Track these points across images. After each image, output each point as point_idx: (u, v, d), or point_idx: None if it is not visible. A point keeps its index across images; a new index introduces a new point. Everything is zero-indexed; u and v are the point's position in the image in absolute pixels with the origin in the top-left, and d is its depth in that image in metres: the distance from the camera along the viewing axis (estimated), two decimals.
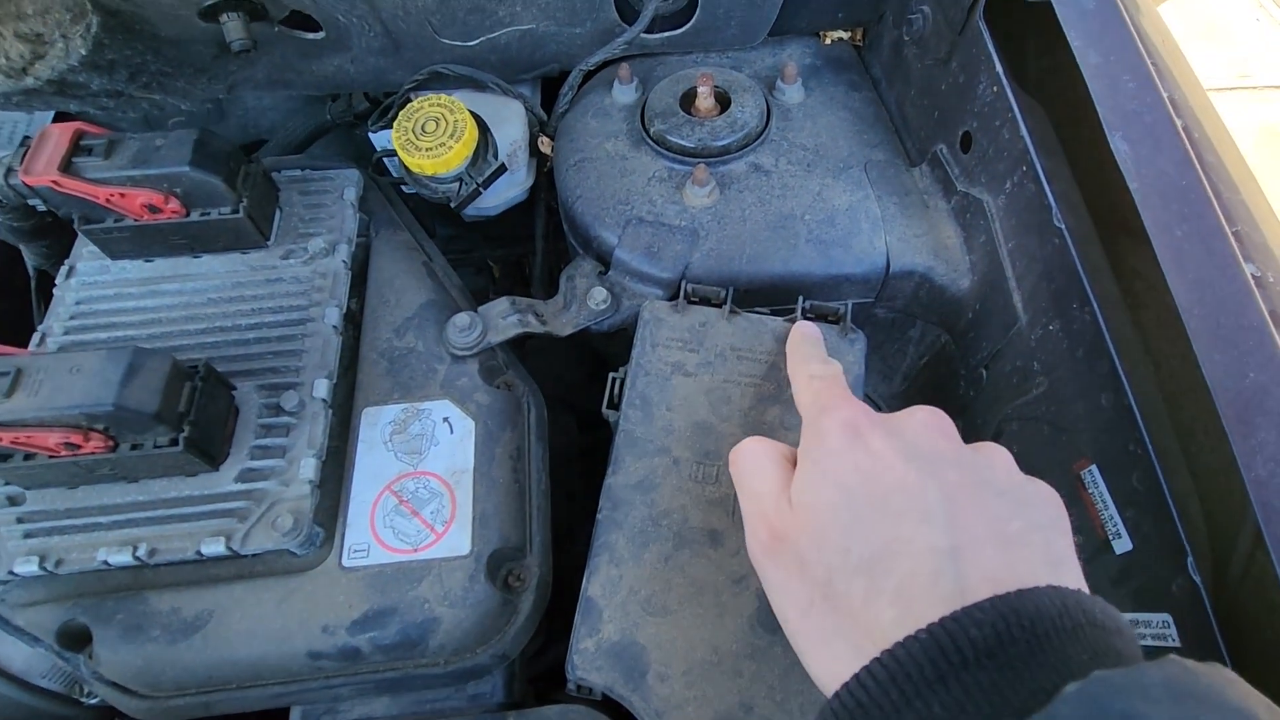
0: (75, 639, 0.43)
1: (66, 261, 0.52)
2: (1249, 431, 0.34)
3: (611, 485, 0.44)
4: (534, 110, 0.65)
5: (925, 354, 0.61)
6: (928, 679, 0.25)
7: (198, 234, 0.50)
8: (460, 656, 0.43)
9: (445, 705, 0.46)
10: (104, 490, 0.43)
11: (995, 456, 0.34)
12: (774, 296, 0.53)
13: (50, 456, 0.39)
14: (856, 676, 0.26)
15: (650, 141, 0.58)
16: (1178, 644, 0.36)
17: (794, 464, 0.37)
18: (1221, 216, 0.40)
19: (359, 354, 0.52)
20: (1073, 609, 0.26)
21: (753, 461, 0.38)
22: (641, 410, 0.46)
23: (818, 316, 0.49)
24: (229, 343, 0.48)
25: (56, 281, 0.51)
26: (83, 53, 0.47)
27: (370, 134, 0.69)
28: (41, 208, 0.48)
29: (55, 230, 0.55)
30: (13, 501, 0.43)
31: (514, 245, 0.88)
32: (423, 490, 0.46)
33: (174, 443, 0.40)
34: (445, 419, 0.49)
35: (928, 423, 0.35)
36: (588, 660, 0.40)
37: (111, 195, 0.46)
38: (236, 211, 0.49)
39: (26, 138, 0.47)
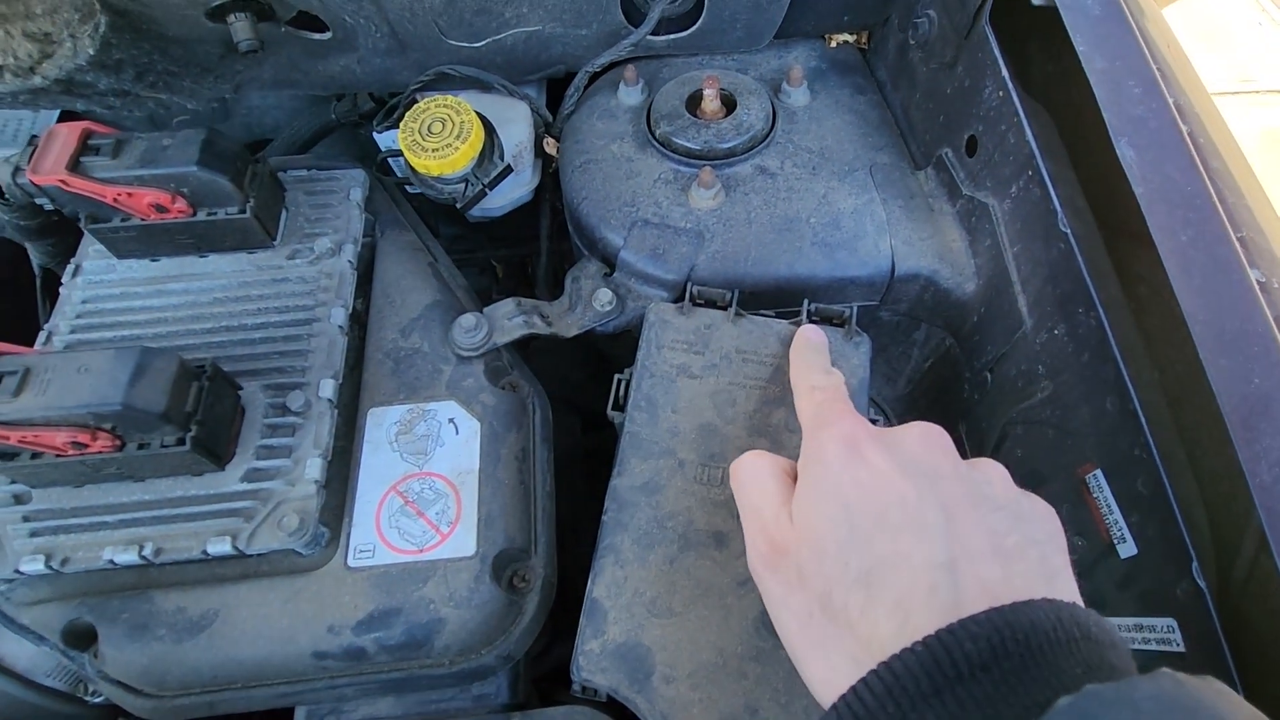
0: (80, 638, 0.43)
1: (72, 260, 0.52)
2: (1253, 437, 0.34)
3: (617, 487, 0.44)
4: (539, 111, 0.65)
5: (929, 357, 0.62)
6: (924, 692, 0.25)
7: (204, 234, 0.50)
8: (465, 657, 0.43)
9: (450, 706, 0.46)
10: (110, 489, 0.43)
11: (992, 472, 0.34)
12: (779, 299, 0.53)
13: (57, 455, 0.40)
14: (854, 688, 0.27)
15: (656, 143, 0.58)
16: (1182, 648, 0.36)
17: (793, 477, 0.37)
18: (1227, 222, 0.41)
19: (364, 354, 0.52)
20: (1067, 622, 0.27)
21: (752, 475, 0.38)
22: (647, 412, 0.46)
23: (823, 319, 0.49)
24: (235, 342, 0.48)
25: (63, 280, 0.51)
26: (90, 52, 0.47)
27: (375, 134, 0.69)
28: (49, 206, 0.48)
29: (61, 229, 0.55)
30: (19, 500, 0.43)
31: (518, 245, 0.88)
32: (428, 491, 0.46)
33: (181, 442, 0.40)
34: (451, 420, 0.49)
35: (926, 438, 0.35)
36: (593, 662, 0.40)
37: (119, 195, 0.46)
38: (243, 211, 0.49)
39: (34, 137, 0.47)
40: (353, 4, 0.53)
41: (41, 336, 0.49)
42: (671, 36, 0.64)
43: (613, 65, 0.64)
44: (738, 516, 0.43)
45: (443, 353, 0.51)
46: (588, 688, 0.40)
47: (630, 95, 0.62)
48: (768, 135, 0.58)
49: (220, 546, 0.41)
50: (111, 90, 0.54)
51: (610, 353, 0.66)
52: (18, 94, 0.51)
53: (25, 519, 0.42)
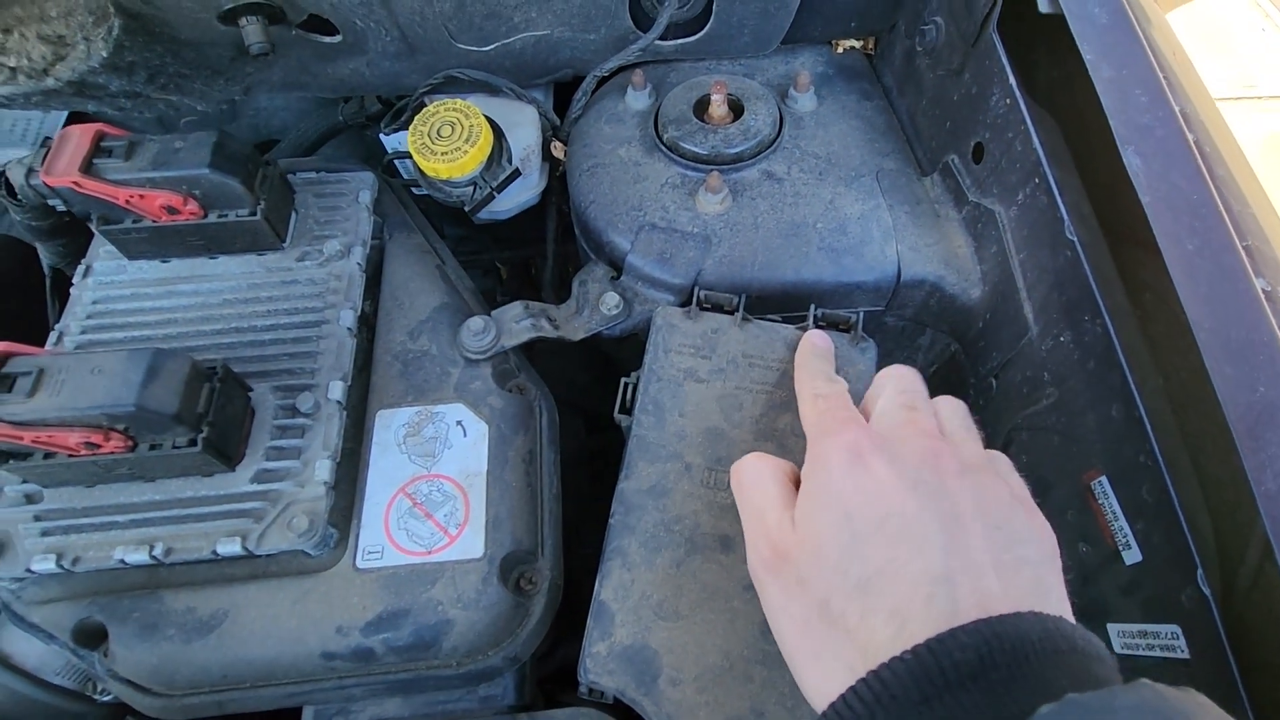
0: (91, 636, 0.43)
1: (83, 261, 0.52)
2: (1259, 446, 0.34)
3: (624, 490, 0.44)
4: (547, 115, 0.65)
5: (935, 362, 0.62)
6: (913, 701, 0.26)
7: (215, 235, 0.50)
8: (473, 658, 0.43)
9: (457, 707, 0.46)
10: (121, 489, 0.43)
11: (994, 490, 0.35)
12: (785, 303, 0.54)
13: (70, 456, 0.40)
14: (844, 696, 0.28)
15: (663, 148, 0.58)
16: (1186, 655, 0.37)
17: (795, 482, 0.38)
18: (1233, 231, 0.41)
19: (373, 356, 0.52)
20: (1054, 635, 0.27)
21: (754, 478, 0.38)
22: (654, 415, 0.47)
23: (829, 324, 0.50)
24: (245, 344, 0.49)
25: (73, 281, 0.51)
26: (104, 55, 0.48)
27: (382, 136, 0.69)
28: (61, 208, 0.48)
29: (71, 229, 0.55)
30: (31, 500, 0.43)
31: (522, 247, 0.88)
32: (436, 493, 0.46)
33: (192, 443, 0.40)
34: (459, 422, 0.49)
35: (930, 450, 0.35)
36: (600, 664, 0.40)
37: (131, 196, 0.46)
38: (254, 214, 0.49)
39: (47, 139, 0.47)
40: (363, 8, 0.54)
41: (52, 337, 0.49)
42: (679, 41, 0.64)
43: (620, 70, 0.64)
44: None
45: (451, 355, 0.52)
46: (595, 690, 0.40)
47: (638, 100, 0.63)
48: (774, 140, 0.58)
49: (230, 547, 0.41)
50: (123, 92, 0.55)
51: (616, 355, 0.66)
52: (30, 95, 0.51)
53: (37, 518, 0.42)
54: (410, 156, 0.56)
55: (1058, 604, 0.31)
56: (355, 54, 0.59)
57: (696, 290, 0.51)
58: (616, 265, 0.57)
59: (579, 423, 0.72)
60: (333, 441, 0.45)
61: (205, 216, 0.49)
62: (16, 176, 0.49)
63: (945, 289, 0.54)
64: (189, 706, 0.43)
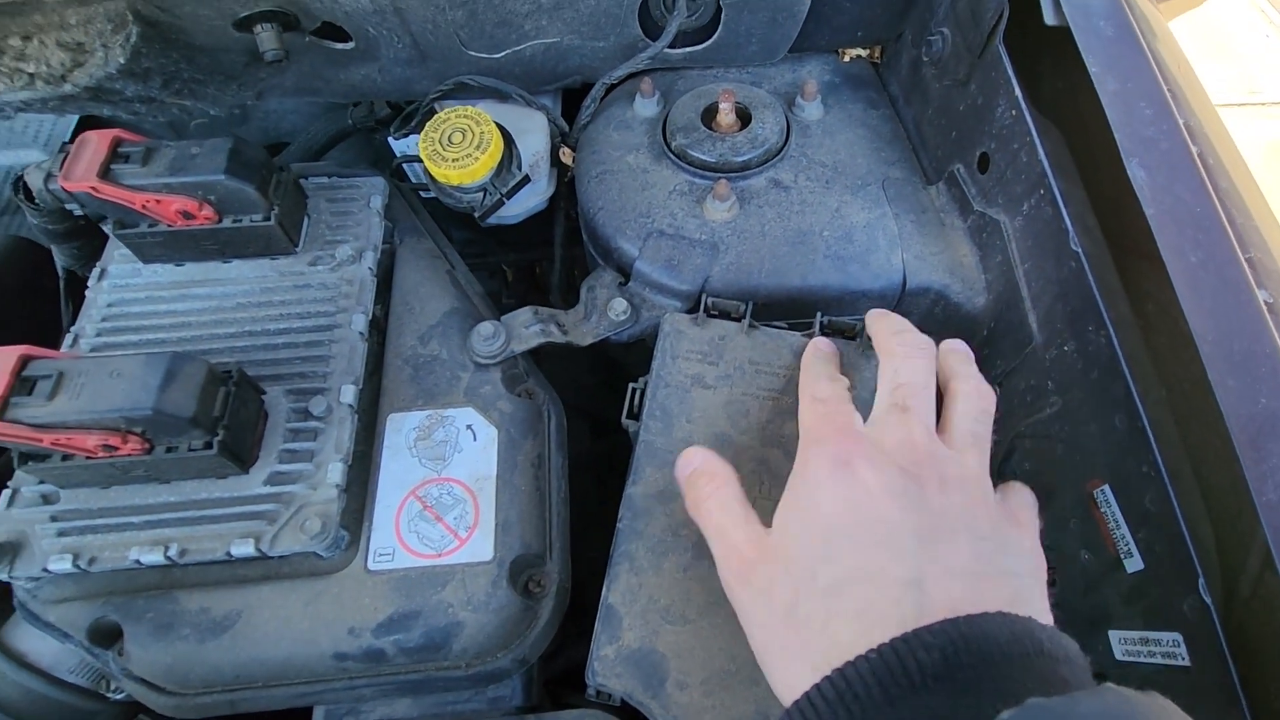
0: (106, 636, 0.44)
1: (98, 264, 0.53)
2: (1260, 457, 0.35)
3: (632, 495, 0.45)
4: (556, 121, 0.66)
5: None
6: (875, 701, 0.26)
7: (229, 240, 0.51)
8: (482, 660, 0.44)
9: (465, 708, 0.47)
10: (136, 491, 0.44)
11: (984, 502, 0.35)
12: (792, 311, 0.54)
13: (88, 457, 0.40)
14: (807, 694, 0.27)
15: (671, 155, 0.59)
16: (1187, 663, 0.37)
17: (744, 492, 0.38)
18: (1235, 243, 0.41)
19: (383, 360, 0.53)
20: (1021, 637, 0.27)
21: (713, 497, 0.39)
22: (662, 421, 0.47)
23: (835, 332, 0.50)
24: (258, 347, 0.49)
25: (88, 284, 0.52)
26: (121, 61, 0.48)
27: (391, 140, 0.70)
28: (78, 212, 0.49)
29: (86, 232, 0.56)
30: (47, 500, 0.44)
31: (528, 250, 0.89)
32: (446, 496, 0.47)
33: (208, 446, 0.41)
34: (469, 426, 0.49)
35: (918, 460, 0.35)
36: (608, 667, 0.41)
37: (148, 201, 0.47)
38: (268, 219, 0.50)
39: (65, 144, 0.48)
40: (377, 16, 0.54)
41: (67, 339, 0.50)
42: (687, 49, 0.65)
43: (629, 77, 0.65)
44: None
45: (461, 360, 0.52)
46: (603, 692, 0.41)
47: (646, 107, 0.63)
48: (782, 149, 0.59)
49: (244, 548, 0.42)
50: (138, 97, 0.55)
51: (623, 360, 0.67)
52: (47, 100, 0.52)
53: (54, 519, 0.43)
54: (418, 160, 0.57)
55: (1039, 615, 0.30)
56: (367, 60, 0.60)
57: (704, 297, 0.52)
58: (624, 271, 0.57)
59: (584, 426, 0.72)
60: (345, 445, 0.46)
61: (220, 221, 0.50)
62: (35, 181, 0.49)
63: (950, 297, 0.55)
64: (202, 705, 0.43)
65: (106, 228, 0.50)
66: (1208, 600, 0.36)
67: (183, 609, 0.44)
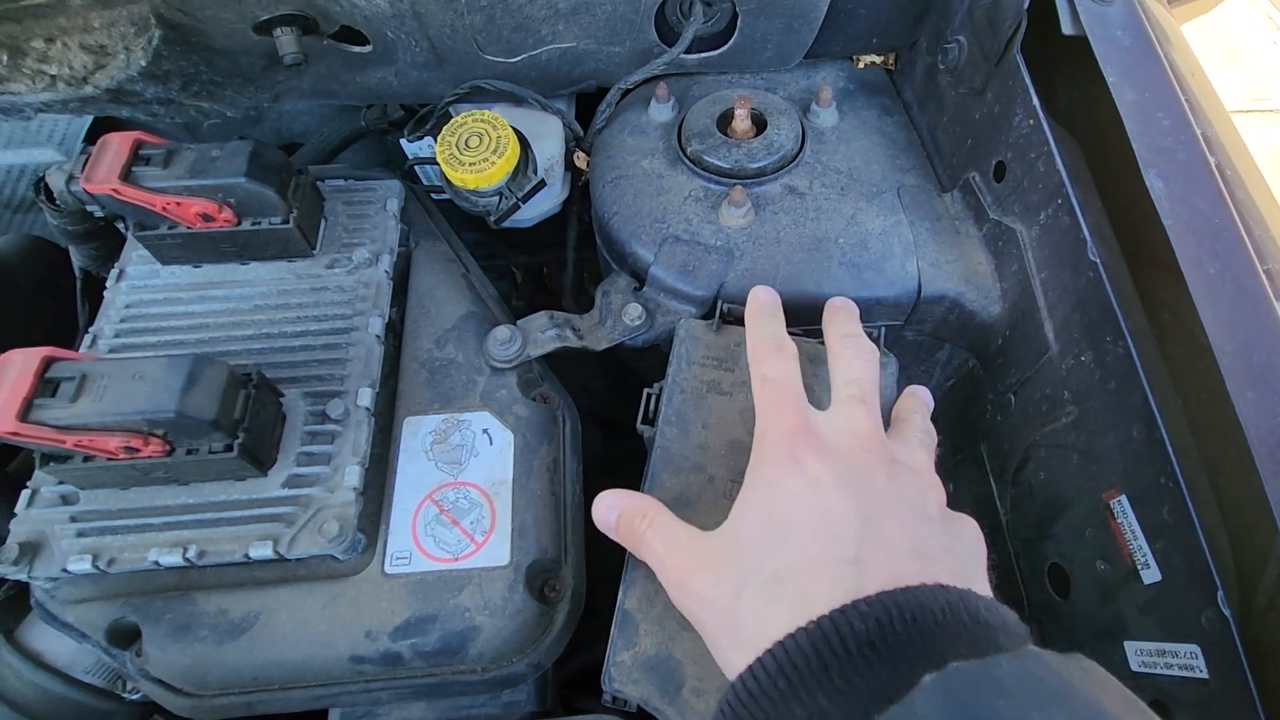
0: (124, 636, 0.44)
1: (116, 265, 0.53)
2: (1279, 470, 0.35)
3: None
4: (571, 126, 0.66)
5: (952, 377, 0.62)
6: (813, 669, 0.27)
7: (248, 242, 0.51)
8: (498, 664, 0.44)
9: (480, 712, 0.47)
10: (156, 492, 0.44)
11: (928, 489, 0.36)
12: (807, 317, 0.54)
13: (109, 459, 0.41)
14: (750, 668, 0.28)
15: (687, 161, 0.59)
16: (1205, 675, 0.37)
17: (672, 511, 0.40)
18: (1254, 255, 0.41)
19: (400, 364, 0.53)
20: (956, 606, 0.28)
21: (646, 529, 0.40)
22: (678, 427, 0.47)
23: None
24: (275, 349, 0.50)
25: (107, 284, 0.52)
26: (142, 64, 0.49)
27: (404, 142, 0.70)
28: (99, 213, 0.49)
29: (105, 233, 0.56)
30: (67, 501, 0.44)
31: (538, 253, 0.89)
32: (463, 500, 0.47)
33: (228, 448, 0.41)
34: (485, 430, 0.50)
35: (865, 450, 0.37)
36: (624, 673, 0.41)
37: (168, 204, 0.47)
38: (287, 222, 0.50)
39: (86, 146, 0.48)
40: (395, 20, 0.54)
41: (86, 340, 0.50)
42: (703, 55, 0.65)
43: (644, 82, 0.65)
44: None
45: (477, 364, 0.53)
46: (618, 698, 0.41)
47: (661, 112, 0.63)
48: (797, 155, 0.59)
49: (262, 550, 0.42)
50: (157, 99, 0.55)
51: (637, 365, 0.67)
52: (68, 101, 0.52)
53: (73, 519, 0.43)
54: (431, 162, 0.57)
55: (979, 590, 0.31)
56: (384, 64, 0.60)
57: (719, 303, 0.52)
58: (639, 276, 0.57)
59: (595, 430, 0.72)
60: (362, 448, 0.46)
61: (239, 224, 0.50)
62: (57, 182, 0.50)
63: (965, 305, 0.55)
64: (219, 707, 0.43)
65: (124, 229, 0.51)
66: (1227, 613, 0.36)
67: (201, 610, 0.44)
